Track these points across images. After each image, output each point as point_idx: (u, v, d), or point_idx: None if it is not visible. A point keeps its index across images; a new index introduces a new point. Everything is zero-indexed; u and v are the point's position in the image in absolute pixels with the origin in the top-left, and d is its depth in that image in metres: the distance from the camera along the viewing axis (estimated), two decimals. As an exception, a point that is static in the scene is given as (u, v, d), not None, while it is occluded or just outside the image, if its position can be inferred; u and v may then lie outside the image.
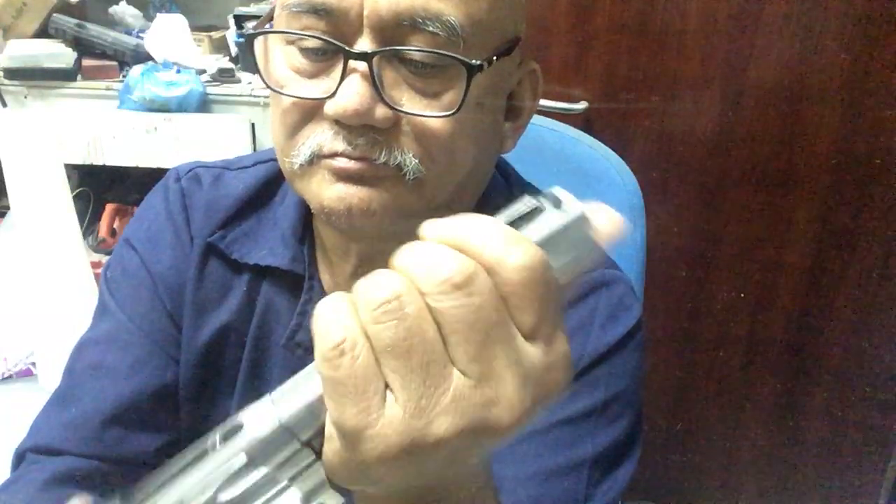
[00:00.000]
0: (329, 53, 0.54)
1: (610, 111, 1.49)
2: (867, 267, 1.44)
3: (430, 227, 0.32)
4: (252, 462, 0.32)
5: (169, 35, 1.85)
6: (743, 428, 1.63)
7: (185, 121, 1.75)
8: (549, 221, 0.32)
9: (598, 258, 0.32)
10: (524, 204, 0.32)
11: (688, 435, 1.67)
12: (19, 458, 0.67)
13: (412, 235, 0.63)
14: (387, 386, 0.29)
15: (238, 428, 0.32)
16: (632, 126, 1.49)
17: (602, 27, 1.45)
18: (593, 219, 0.33)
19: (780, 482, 1.64)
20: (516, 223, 0.32)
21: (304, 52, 0.55)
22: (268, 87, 0.57)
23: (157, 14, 1.97)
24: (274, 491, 0.34)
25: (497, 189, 0.68)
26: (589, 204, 0.33)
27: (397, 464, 0.30)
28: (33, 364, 1.60)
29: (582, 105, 1.47)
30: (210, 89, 1.81)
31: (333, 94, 0.53)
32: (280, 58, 0.57)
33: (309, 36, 0.54)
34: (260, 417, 0.32)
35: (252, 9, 1.95)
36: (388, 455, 0.29)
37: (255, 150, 1.78)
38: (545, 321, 0.30)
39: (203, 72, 1.86)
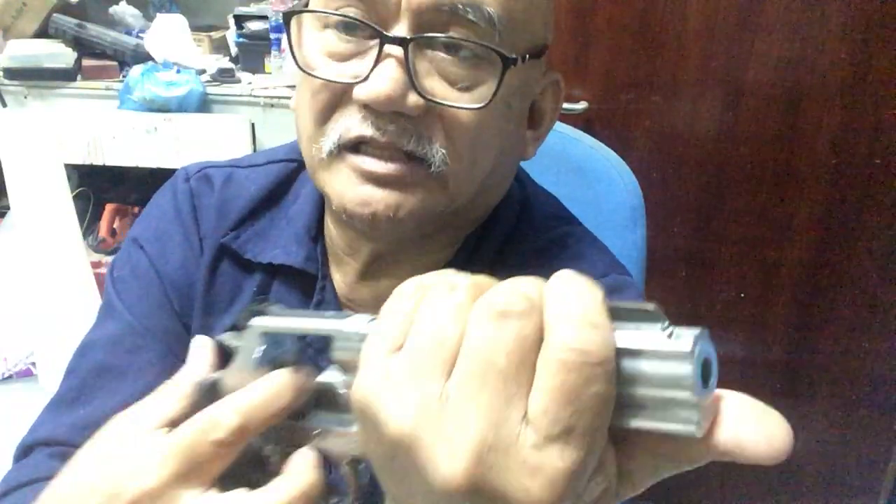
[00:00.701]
0: (363, 37, 0.54)
1: (610, 111, 1.49)
2: (867, 267, 1.44)
3: (556, 276, 0.29)
4: (335, 350, 0.35)
5: (169, 35, 1.86)
6: (743, 428, 1.63)
7: (185, 121, 1.75)
8: (650, 338, 0.26)
9: (689, 425, 0.26)
10: (645, 305, 0.27)
11: (688, 435, 1.67)
12: (25, 451, 0.65)
13: (426, 237, 0.62)
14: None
15: (345, 316, 0.35)
16: (632, 126, 1.49)
17: (602, 27, 1.45)
18: (734, 406, 0.27)
19: (780, 482, 1.64)
20: (620, 313, 0.27)
21: (339, 34, 0.55)
22: (300, 68, 0.57)
23: (157, 14, 1.97)
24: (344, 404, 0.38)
25: (511, 195, 0.68)
26: (751, 402, 0.27)
27: (360, 409, 0.30)
28: (33, 364, 1.60)
29: (582, 105, 1.47)
30: (210, 89, 1.81)
31: (366, 79, 0.52)
32: (313, 42, 0.57)
33: (346, 17, 0.53)
34: (360, 320, 0.35)
35: (252, 9, 1.95)
36: (358, 400, 0.30)
37: (254, 150, 1.78)
38: (558, 418, 0.26)
39: (203, 72, 1.86)
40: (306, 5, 0.59)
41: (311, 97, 0.57)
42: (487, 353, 0.27)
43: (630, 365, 0.26)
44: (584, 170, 0.98)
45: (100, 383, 0.66)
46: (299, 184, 0.71)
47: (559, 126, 1.01)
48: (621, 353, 0.26)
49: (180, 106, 1.75)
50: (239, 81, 1.86)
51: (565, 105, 1.45)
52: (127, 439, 0.40)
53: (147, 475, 0.38)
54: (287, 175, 0.71)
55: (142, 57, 1.86)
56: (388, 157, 0.54)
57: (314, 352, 0.43)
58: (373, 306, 0.61)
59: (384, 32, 0.52)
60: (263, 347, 0.39)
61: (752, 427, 0.27)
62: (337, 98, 0.55)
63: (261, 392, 0.38)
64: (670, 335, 0.26)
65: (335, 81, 0.55)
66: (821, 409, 1.56)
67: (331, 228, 0.67)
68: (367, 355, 0.31)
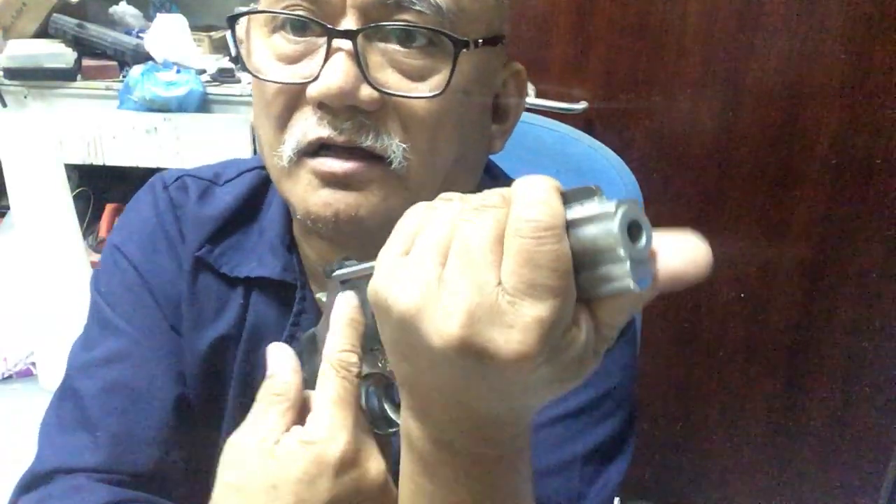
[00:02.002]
0: (313, 36, 0.54)
1: (610, 111, 1.49)
2: (867, 267, 1.44)
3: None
4: None
5: (169, 35, 1.85)
6: (743, 428, 1.63)
7: (185, 121, 1.75)
8: (587, 208, 0.32)
9: (625, 279, 0.31)
10: (590, 186, 0.33)
11: (688, 435, 1.67)
12: (38, 479, 0.62)
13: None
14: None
15: None
16: (632, 126, 1.49)
17: (602, 27, 1.45)
18: (659, 247, 0.31)
19: (780, 482, 1.64)
20: (570, 197, 0.33)
21: (287, 36, 0.55)
22: (251, 74, 0.57)
23: (157, 14, 1.97)
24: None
25: (484, 190, 0.68)
26: (670, 237, 0.32)
27: (376, 309, 0.36)
28: (33, 364, 1.60)
29: (582, 105, 1.47)
30: (210, 89, 1.81)
31: (317, 77, 0.52)
32: (262, 47, 0.56)
33: (292, 15, 0.53)
34: None
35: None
36: (373, 292, 0.36)
37: (255, 150, 1.78)
38: (520, 276, 0.31)
39: (203, 72, 1.86)
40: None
41: (267, 104, 0.56)
42: (470, 237, 0.33)
43: (574, 234, 0.32)
44: (584, 170, 0.98)
45: (113, 403, 0.65)
46: (272, 193, 0.70)
47: (559, 126, 1.01)
48: (569, 226, 0.32)
49: (180, 106, 1.75)
50: (239, 81, 1.86)
51: (565, 105, 1.46)
52: (270, 447, 0.43)
53: (339, 435, 0.43)
54: (260, 183, 0.70)
55: (142, 57, 1.86)
56: (347, 156, 0.54)
57: None
58: None
59: (329, 26, 0.52)
60: (339, 290, 0.48)
61: (678, 259, 0.32)
62: (292, 102, 0.55)
63: (346, 326, 0.46)
64: (601, 202, 0.32)
65: (287, 83, 0.54)
66: (821, 408, 1.56)
67: (301, 244, 0.67)
68: (380, 258, 0.36)
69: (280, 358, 0.47)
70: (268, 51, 0.56)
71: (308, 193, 0.55)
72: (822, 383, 1.54)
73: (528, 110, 1.43)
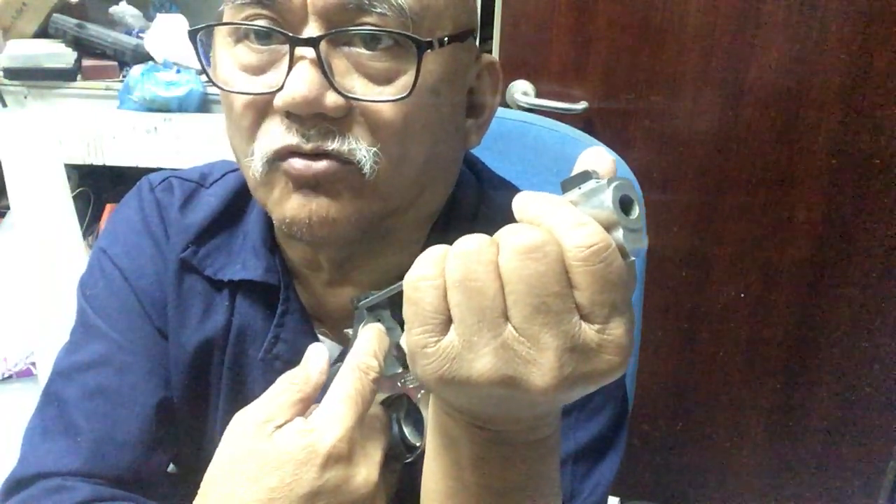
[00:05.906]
0: (275, 45, 0.54)
1: (610, 111, 1.49)
2: (867, 267, 1.44)
3: (516, 202, 0.35)
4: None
5: (169, 35, 1.85)
6: (743, 428, 1.63)
7: (185, 121, 1.75)
8: (584, 188, 0.34)
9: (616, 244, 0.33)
10: (583, 170, 0.35)
11: (688, 435, 1.67)
12: (19, 484, 0.63)
13: (382, 240, 0.64)
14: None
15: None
16: (632, 126, 1.49)
17: (602, 27, 1.45)
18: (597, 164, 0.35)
19: (780, 482, 1.64)
20: (567, 184, 0.35)
21: (251, 46, 0.54)
22: (217, 86, 0.57)
23: (157, 14, 1.97)
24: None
25: (468, 186, 0.67)
26: (588, 152, 0.36)
27: (442, 386, 0.35)
28: (33, 364, 1.60)
29: (582, 105, 1.47)
30: (210, 89, 1.81)
31: (282, 87, 0.52)
32: (227, 58, 0.56)
33: (252, 26, 0.53)
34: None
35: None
36: (433, 376, 0.34)
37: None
38: (602, 302, 0.32)
39: (203, 72, 1.86)
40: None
41: (236, 116, 0.56)
42: (536, 286, 0.32)
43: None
44: (584, 170, 0.98)
45: (93, 407, 0.64)
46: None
47: (559, 126, 1.00)
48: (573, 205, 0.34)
49: (180, 106, 1.75)
50: (239, 81, 1.86)
51: (565, 105, 1.46)
52: (266, 434, 0.44)
53: (335, 428, 0.43)
54: (244, 184, 0.69)
55: (142, 57, 1.86)
56: (316, 160, 0.54)
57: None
58: (338, 317, 0.63)
59: (291, 35, 0.52)
60: (365, 319, 0.49)
61: (601, 162, 0.36)
62: (260, 112, 0.55)
63: (374, 336, 0.47)
64: (597, 182, 0.34)
65: (253, 93, 0.54)
66: (821, 408, 1.56)
67: (284, 246, 0.67)
68: (418, 350, 0.35)
69: (313, 355, 0.49)
70: (232, 62, 0.56)
71: (282, 199, 0.55)
72: (822, 383, 1.54)
73: (529, 110, 1.44)
